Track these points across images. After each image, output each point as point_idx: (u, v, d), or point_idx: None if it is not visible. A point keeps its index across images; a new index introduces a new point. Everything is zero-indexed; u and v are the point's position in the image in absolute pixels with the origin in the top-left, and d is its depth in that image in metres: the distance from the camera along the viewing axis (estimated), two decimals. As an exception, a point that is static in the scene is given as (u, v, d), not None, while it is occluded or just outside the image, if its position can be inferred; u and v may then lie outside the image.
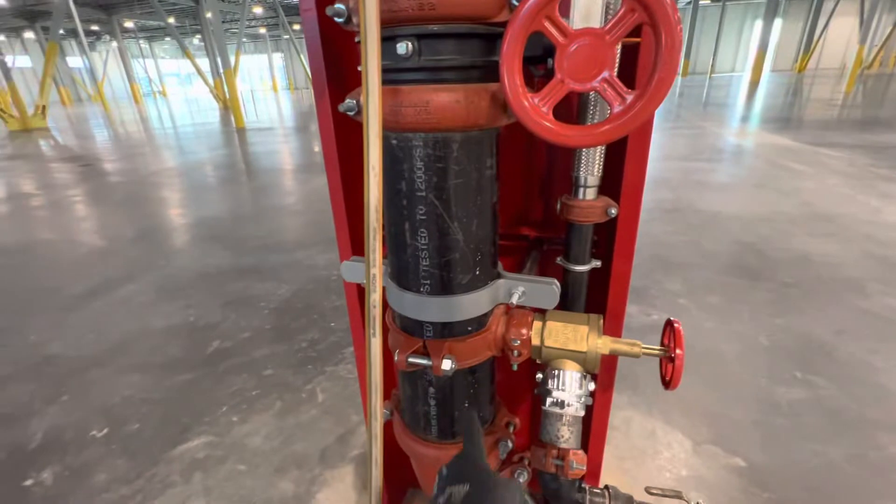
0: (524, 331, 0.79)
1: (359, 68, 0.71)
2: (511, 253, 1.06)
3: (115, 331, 2.86)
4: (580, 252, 0.86)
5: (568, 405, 0.75)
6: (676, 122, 10.17)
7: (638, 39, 0.65)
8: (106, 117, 19.57)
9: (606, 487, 0.79)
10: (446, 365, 0.74)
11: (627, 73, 0.72)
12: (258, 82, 48.02)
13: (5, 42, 33.00)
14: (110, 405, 2.19)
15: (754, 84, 20.17)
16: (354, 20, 0.64)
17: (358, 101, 0.70)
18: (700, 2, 33.55)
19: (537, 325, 0.80)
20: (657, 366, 0.87)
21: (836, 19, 29.43)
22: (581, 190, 0.83)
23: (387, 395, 1.31)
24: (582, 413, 0.77)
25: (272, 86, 44.02)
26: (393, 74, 0.62)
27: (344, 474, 1.74)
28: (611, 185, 0.85)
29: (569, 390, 0.75)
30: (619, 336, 0.86)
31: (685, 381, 2.12)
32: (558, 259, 0.91)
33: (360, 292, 1.12)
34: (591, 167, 0.80)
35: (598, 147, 0.76)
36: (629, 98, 0.50)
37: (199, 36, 36.23)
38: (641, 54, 0.68)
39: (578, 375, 0.76)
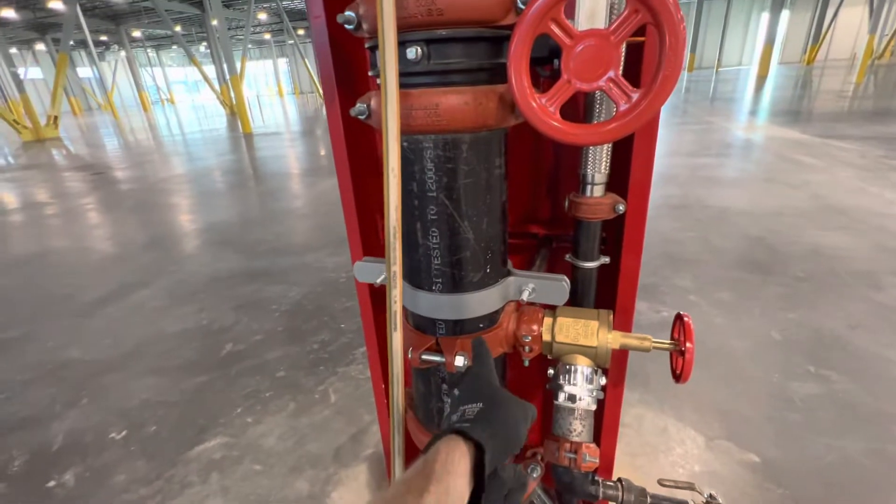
0: (535, 327, 0.81)
1: (370, 73, 0.73)
2: (520, 251, 1.08)
3: (130, 335, 2.91)
4: (589, 249, 0.87)
5: (580, 399, 0.76)
6: (683, 118, 10.09)
7: (642, 39, 0.66)
8: (116, 126, 19.87)
9: (619, 480, 0.80)
10: (459, 361, 0.75)
11: (633, 72, 0.73)
12: (264, 87, 48.44)
13: (17, 54, 33.63)
14: (128, 408, 2.23)
15: (762, 77, 19.93)
16: (364, 27, 0.66)
17: (368, 105, 0.72)
18: (705, -5, 33.23)
19: (548, 321, 0.81)
20: (668, 363, 0.88)
21: (845, 9, 28.95)
22: (589, 187, 0.84)
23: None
24: (594, 407, 0.78)
25: (278, 91, 44.37)
26: (403, 78, 0.64)
27: (358, 473, 1.76)
28: (618, 181, 0.86)
29: (580, 385, 0.76)
30: (629, 331, 0.87)
31: (697, 377, 2.12)
32: (567, 256, 0.92)
33: (373, 293, 1.14)
34: (599, 164, 0.81)
35: (605, 144, 0.77)
36: (635, 96, 0.51)
37: (205, 43, 36.65)
38: (646, 53, 0.69)
39: (589, 370, 0.78)
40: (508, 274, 0.81)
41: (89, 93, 38.33)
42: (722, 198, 4.61)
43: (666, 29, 0.47)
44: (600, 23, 0.59)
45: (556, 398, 0.79)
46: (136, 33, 32.81)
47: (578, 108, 0.83)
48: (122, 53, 33.39)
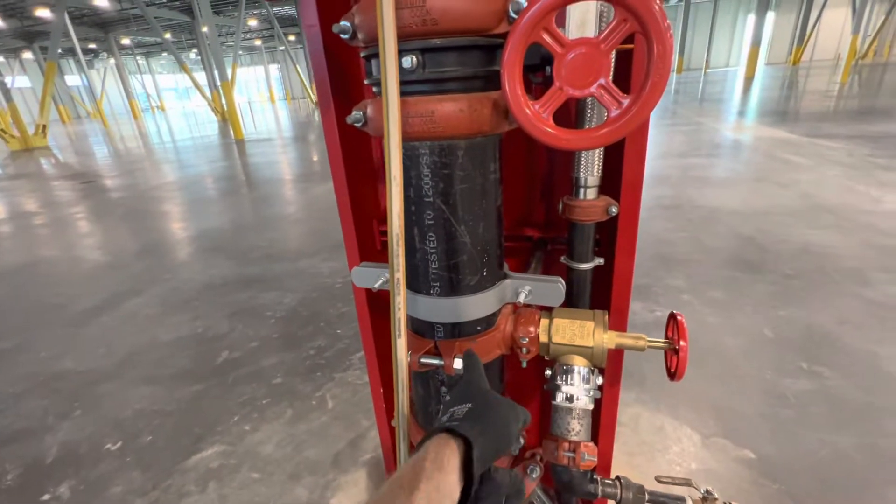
0: (532, 328, 0.82)
1: (366, 81, 0.74)
2: (516, 254, 1.09)
3: (123, 344, 2.88)
4: (583, 250, 0.89)
5: (577, 399, 0.77)
6: (673, 119, 10.21)
7: (631, 46, 0.68)
8: (105, 134, 19.72)
9: (618, 478, 0.81)
10: (458, 364, 0.76)
11: (623, 78, 0.75)
12: (255, 93, 48.32)
13: (4, 63, 33.30)
14: (123, 418, 2.21)
15: (749, 78, 20.21)
16: (360, 36, 0.67)
17: (365, 113, 0.73)
18: (692, -1, 33.71)
19: (544, 322, 0.83)
20: (663, 362, 0.89)
21: (829, 10, 29.53)
22: (582, 190, 0.85)
23: (398, 398, 1.33)
24: (591, 406, 0.79)
25: (269, 96, 44.28)
26: (399, 87, 0.65)
27: (357, 479, 1.76)
28: (610, 184, 0.88)
29: (577, 385, 0.77)
30: (625, 331, 0.88)
31: (692, 375, 2.14)
32: (562, 258, 0.93)
33: (370, 298, 1.14)
34: (591, 168, 0.83)
35: (598, 148, 0.78)
36: (625, 102, 0.52)
37: (195, 50, 36.51)
38: (635, 59, 0.70)
39: (586, 370, 0.79)
40: (505, 277, 0.82)
41: (78, 101, 38.02)
42: (713, 198, 4.67)
43: (653, 37, 0.49)
44: (590, 31, 0.61)
45: (554, 398, 0.80)
46: (126, 41, 32.64)
47: (570, 114, 0.85)
48: (112, 61, 33.18)
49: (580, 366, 0.79)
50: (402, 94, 0.64)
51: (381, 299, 1.23)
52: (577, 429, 0.78)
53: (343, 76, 1.00)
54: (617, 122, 0.53)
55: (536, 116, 0.55)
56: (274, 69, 47.14)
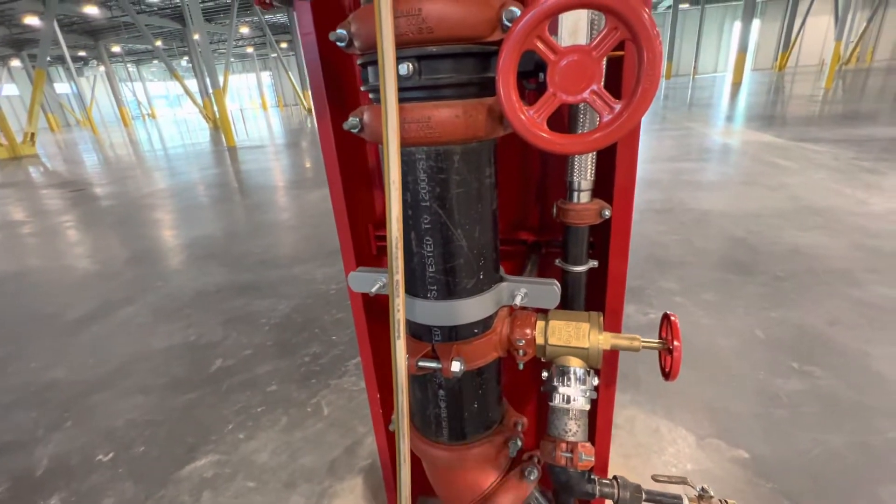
0: (528, 331, 0.83)
1: (362, 88, 0.75)
2: (511, 257, 1.10)
3: (115, 354, 2.85)
4: (578, 253, 0.90)
5: (574, 400, 0.78)
6: (663, 124, 10.34)
7: (621, 53, 0.69)
8: (95, 142, 19.55)
9: (615, 478, 0.82)
10: (455, 367, 0.76)
11: (614, 83, 0.77)
12: (247, 100, 48.24)
13: (-8, 71, 32.96)
14: (115, 428, 2.18)
15: (736, 84, 20.55)
16: (356, 44, 0.68)
17: (361, 119, 0.74)
18: (680, 6, 34.33)
19: (540, 324, 0.84)
20: (657, 364, 0.90)
21: (812, 18, 30.17)
22: (575, 194, 0.87)
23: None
24: (587, 407, 0.80)
25: (261, 104, 44.22)
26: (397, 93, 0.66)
27: (354, 485, 1.75)
28: (603, 187, 0.89)
29: (574, 385, 0.78)
30: (619, 332, 0.89)
31: (686, 377, 2.16)
32: (557, 261, 0.94)
33: (366, 302, 1.15)
34: (584, 171, 0.84)
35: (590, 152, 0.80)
36: (617, 108, 0.54)
37: (186, 58, 36.42)
38: (625, 65, 0.72)
39: (582, 371, 0.80)
40: (501, 280, 0.83)
41: (67, 109, 37.69)
42: (703, 201, 4.73)
43: (643, 45, 0.51)
44: (582, 38, 0.62)
45: (551, 399, 0.81)
46: (116, 48, 32.48)
47: (563, 119, 0.86)
48: (102, 69, 32.99)
49: (576, 367, 0.80)
50: (400, 100, 0.65)
51: (377, 304, 1.24)
52: (574, 429, 0.79)
53: (338, 83, 1.02)
54: (609, 126, 0.54)
55: (531, 122, 0.56)
56: (266, 76, 47.12)
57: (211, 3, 24.18)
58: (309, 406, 2.21)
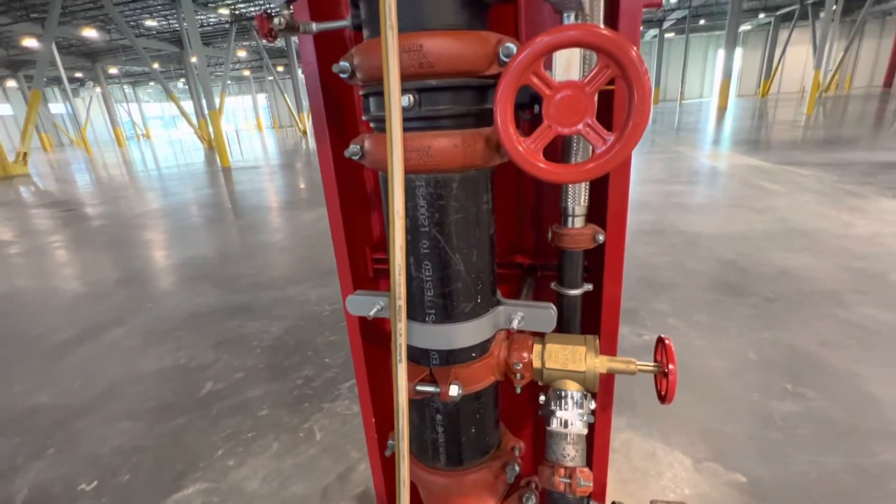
0: (525, 354, 0.83)
1: (364, 118, 0.78)
2: (507, 281, 1.11)
3: (103, 377, 2.79)
4: (573, 277, 0.92)
5: (571, 424, 0.78)
6: (653, 148, 10.58)
7: (612, 87, 0.73)
8: (88, 161, 19.53)
9: (614, 503, 0.81)
10: (454, 391, 0.77)
11: (604, 113, 0.80)
12: (242, 122, 48.67)
13: (-13, 91, 33.07)
14: (99, 455, 2.12)
15: (722, 109, 21.18)
16: (358, 75, 0.71)
17: (362, 147, 0.76)
18: (666, 35, 35.61)
19: (537, 347, 0.84)
20: (652, 387, 0.91)
21: (792, 47, 31.46)
22: (570, 219, 0.89)
23: (389, 428, 1.31)
24: (585, 431, 0.80)
25: (257, 125, 44.62)
26: (402, 126, 0.69)
27: (346, 514, 1.71)
28: (597, 212, 0.92)
29: (571, 409, 0.78)
30: (615, 355, 0.90)
31: (681, 399, 2.16)
32: (552, 284, 0.96)
33: (363, 325, 1.15)
34: (578, 197, 0.87)
35: (584, 180, 0.82)
36: (610, 140, 0.56)
37: (183, 79, 36.85)
38: (616, 97, 0.75)
39: (579, 394, 0.80)
40: (498, 303, 0.84)
41: (61, 129, 37.74)
42: (694, 223, 4.81)
43: (633, 82, 0.53)
44: (575, 73, 0.65)
45: (549, 424, 0.81)
46: (113, 70, 32.81)
47: (556, 147, 0.89)
48: (98, 89, 33.23)
49: (573, 390, 0.80)
50: (404, 129, 0.68)
51: (373, 328, 1.24)
52: (572, 454, 0.79)
53: (337, 109, 1.04)
54: (603, 157, 0.57)
55: (529, 153, 0.58)
56: (262, 98, 47.72)
57: (209, 28, 24.66)
58: (301, 431, 2.17)
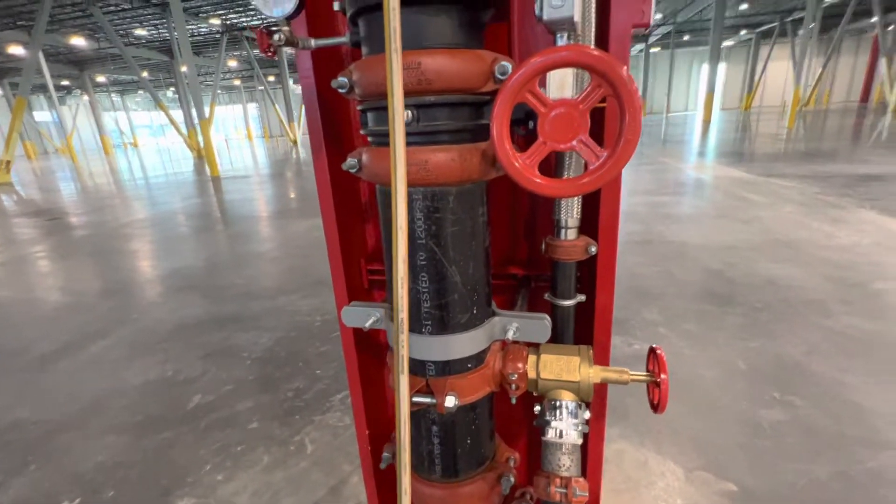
0: (520, 365, 0.84)
1: (362, 132, 0.79)
2: (501, 291, 1.12)
3: (87, 390, 2.72)
4: (566, 288, 0.93)
5: (567, 434, 0.79)
6: (640, 159, 10.76)
7: (604, 104, 0.75)
8: (74, 170, 19.24)
9: (609, 513, 0.82)
10: (450, 402, 0.77)
11: (595, 127, 0.82)
12: (233, 131, 48.48)
13: (-31, 99, 32.51)
14: (83, 472, 2.06)
15: (707, 122, 21.67)
16: (357, 91, 0.72)
17: (359, 160, 0.77)
18: (651, 49, 36.48)
19: (532, 358, 0.85)
20: (644, 397, 0.92)
21: (773, 63, 32.43)
22: (563, 231, 0.90)
23: (383, 440, 1.30)
24: (580, 441, 0.81)
25: (247, 134, 44.50)
26: (405, 143, 0.70)
27: (338, 529, 1.68)
28: (589, 224, 0.93)
29: (566, 419, 0.79)
30: (607, 365, 0.92)
31: (672, 409, 2.18)
32: (546, 295, 0.97)
33: (357, 337, 1.15)
34: (571, 210, 0.88)
35: (577, 193, 0.84)
36: (603, 156, 0.58)
37: (173, 88, 36.67)
38: (607, 114, 0.78)
39: (574, 405, 0.81)
40: (493, 314, 0.85)
41: (46, 136, 37.18)
42: (681, 233, 4.89)
43: (624, 101, 0.55)
44: (568, 92, 0.67)
45: (545, 434, 0.81)
46: (101, 78, 32.54)
47: (549, 161, 0.91)
48: (85, 97, 32.91)
49: (568, 400, 0.81)
50: (398, 144, 0.69)
51: (367, 339, 1.24)
52: (567, 464, 0.79)
53: (333, 123, 1.05)
54: (596, 172, 0.58)
55: (525, 168, 0.60)
56: (252, 107, 47.65)
57: (199, 38, 24.65)
58: (292, 444, 2.14)
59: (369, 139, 0.79)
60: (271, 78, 37.91)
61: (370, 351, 1.27)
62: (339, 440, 2.15)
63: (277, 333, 3.27)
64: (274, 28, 0.71)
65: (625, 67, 0.56)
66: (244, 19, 22.44)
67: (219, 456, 2.09)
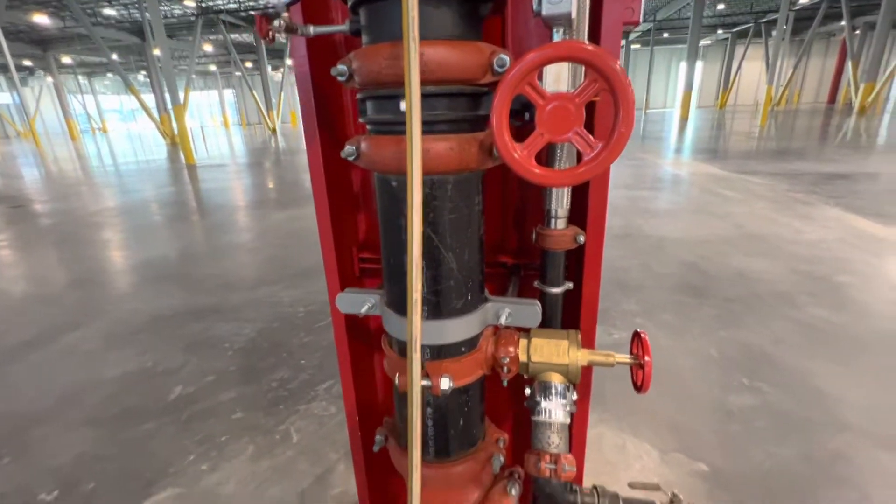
0: (512, 349, 0.87)
1: (361, 120, 0.80)
2: (493, 279, 1.15)
3: (60, 383, 2.65)
4: (555, 276, 0.96)
5: (556, 414, 0.83)
6: (620, 155, 10.94)
7: (597, 98, 0.78)
8: (38, 155, 18.37)
9: (594, 487, 0.86)
10: (444, 384, 0.80)
11: (588, 121, 0.85)
12: (208, 118, 47.00)
13: (-79, 77, 30.57)
14: (60, 465, 2.02)
15: (684, 119, 22.17)
16: (356, 79, 0.73)
17: (357, 148, 0.78)
18: (632, 46, 36.97)
19: (523, 342, 0.88)
20: (623, 385, 0.97)
21: (747, 62, 33.33)
22: (553, 220, 0.93)
23: (373, 426, 1.33)
24: (568, 420, 0.84)
25: (223, 122, 43.24)
26: (397, 126, 0.71)
27: (325, 515, 1.70)
28: (577, 214, 0.97)
29: (555, 400, 0.83)
30: (593, 349, 0.96)
31: (649, 395, 2.26)
32: (535, 283, 1.00)
33: (349, 323, 1.16)
34: (561, 200, 0.91)
35: (567, 184, 0.87)
36: (598, 147, 0.61)
37: (144, 72, 35.26)
38: (599, 107, 0.81)
39: (562, 386, 0.85)
40: (486, 300, 0.88)
41: (7, 119, 35.33)
42: (658, 227, 5.03)
43: (619, 95, 0.58)
44: (564, 85, 0.70)
45: (534, 414, 0.85)
46: (66, 59, 31.02)
47: (541, 155, 0.94)
48: (49, 79, 31.35)
49: (557, 382, 0.85)
50: (400, 133, 0.70)
51: (358, 327, 1.25)
52: (556, 442, 0.83)
53: (327, 111, 1.05)
54: (591, 163, 0.61)
55: (523, 159, 0.62)
56: (229, 94, 46.26)
57: (174, 20, 23.73)
58: (277, 433, 2.14)
59: (368, 128, 0.80)
60: (249, 64, 36.84)
61: (360, 338, 1.29)
62: (325, 429, 2.16)
63: (259, 324, 3.23)
64: (272, 12, 0.71)
65: (620, 65, 0.59)
66: (220, 2, 21.70)
67: (203, 446, 2.08)
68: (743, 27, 31.08)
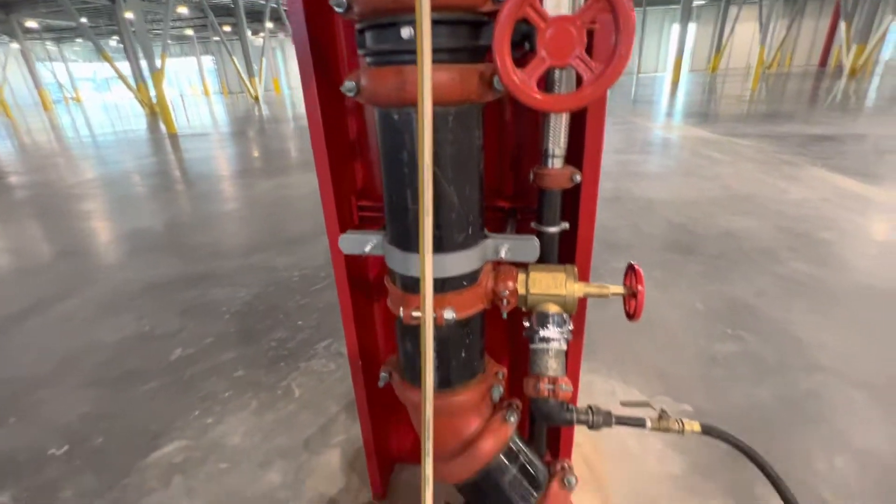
0: (511, 283, 0.91)
1: (360, 52, 0.79)
2: (490, 223, 1.17)
3: (58, 349, 2.67)
4: (552, 215, 0.99)
5: (553, 340, 0.87)
6: (610, 118, 10.86)
7: (595, 25, 0.78)
8: (9, 126, 17.65)
9: (589, 406, 0.92)
10: (448, 315, 0.83)
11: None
12: (187, 86, 45.21)
13: None
14: (66, 423, 2.07)
15: (675, 83, 21.91)
16: (355, 9, 0.72)
17: (357, 83, 0.78)
18: (623, 7, 35.92)
19: (521, 276, 0.92)
20: (613, 336, 1.01)
21: (741, 24, 32.67)
22: (550, 160, 0.95)
23: (375, 370, 1.38)
24: (565, 347, 0.89)
25: (203, 90, 41.67)
26: (398, 56, 0.71)
27: (329, 459, 1.78)
28: (574, 157, 0.99)
29: (553, 328, 0.87)
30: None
31: (638, 345, 2.36)
32: (532, 223, 1.03)
33: (350, 267, 1.19)
34: (558, 138, 0.93)
35: (564, 119, 0.88)
36: (598, 70, 0.62)
37: (115, 37, 33.50)
38: (596, 37, 0.81)
39: (559, 315, 0.89)
40: (486, 237, 0.90)
41: (-27, 90, 33.56)
42: (648, 190, 5.07)
43: (620, 15, 0.59)
44: (565, 9, 0.70)
45: (533, 342, 0.90)
46: (32, 23, 29.28)
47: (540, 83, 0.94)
48: (14, 45, 29.69)
49: (555, 312, 0.89)
50: (402, 62, 0.71)
51: (358, 274, 1.28)
52: (554, 366, 0.88)
53: (322, 55, 1.04)
54: (593, 84, 0.62)
55: (525, 84, 0.63)
56: (208, 60, 44.35)
57: (143, -20, 22.37)
58: (279, 389, 2.20)
59: (367, 60, 0.80)
60: (227, 28, 35.15)
61: (360, 286, 1.32)
62: (325, 384, 2.22)
63: (255, 289, 3.25)
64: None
65: (619, -14, 0.60)
66: (193, -40, 20.45)
67: (207, 402, 2.13)
68: (737, -14, 30.30)
